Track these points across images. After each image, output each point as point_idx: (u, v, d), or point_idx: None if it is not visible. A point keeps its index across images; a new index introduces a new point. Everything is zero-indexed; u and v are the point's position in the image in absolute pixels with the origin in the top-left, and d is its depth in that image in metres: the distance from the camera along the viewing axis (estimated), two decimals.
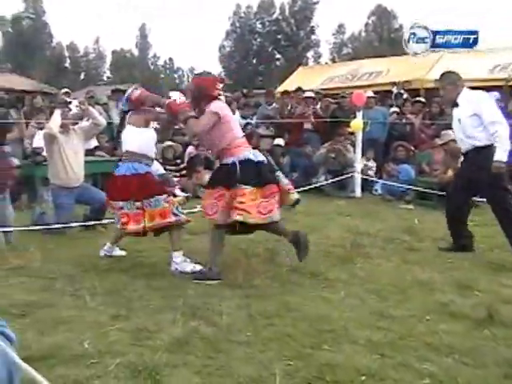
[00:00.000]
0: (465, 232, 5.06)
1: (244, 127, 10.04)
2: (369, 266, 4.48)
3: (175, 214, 4.32)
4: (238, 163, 4.02)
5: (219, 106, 4.15)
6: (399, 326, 3.14)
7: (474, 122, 4.74)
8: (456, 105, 4.94)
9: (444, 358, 2.72)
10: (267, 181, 4.07)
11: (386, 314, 3.32)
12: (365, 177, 8.56)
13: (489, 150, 4.66)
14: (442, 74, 5.11)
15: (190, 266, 4.27)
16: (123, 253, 4.80)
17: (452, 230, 5.06)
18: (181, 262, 4.29)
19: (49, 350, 2.74)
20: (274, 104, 10.73)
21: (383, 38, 42.81)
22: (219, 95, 4.27)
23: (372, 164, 9.01)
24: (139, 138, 4.41)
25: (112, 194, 4.50)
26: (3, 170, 5.40)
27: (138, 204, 4.24)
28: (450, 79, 4.98)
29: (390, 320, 3.23)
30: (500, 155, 4.59)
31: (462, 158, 5.19)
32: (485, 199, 5.19)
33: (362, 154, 8.58)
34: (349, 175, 8.36)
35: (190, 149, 9.24)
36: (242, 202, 3.93)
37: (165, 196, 4.31)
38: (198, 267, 4.23)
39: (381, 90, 11.71)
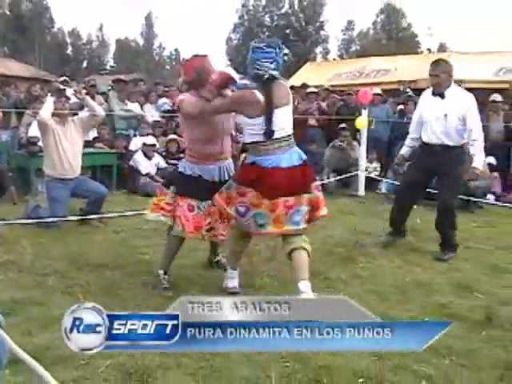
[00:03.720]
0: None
1: None
2: (370, 266, 4.49)
3: None
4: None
5: None
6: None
7: (459, 123, 4.73)
8: (442, 96, 4.80)
9: (442, 360, 2.73)
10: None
11: (386, 315, 3.31)
12: (369, 175, 8.55)
13: (460, 150, 4.82)
14: (435, 61, 4.92)
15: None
16: None
17: (399, 219, 5.17)
18: None
19: (36, 350, 2.57)
20: None
21: (391, 36, 42.63)
22: None
23: (376, 165, 8.98)
24: None
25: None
26: None
27: None
28: (444, 68, 4.82)
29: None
30: (477, 163, 4.75)
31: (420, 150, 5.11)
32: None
33: (367, 154, 8.56)
34: (353, 174, 8.35)
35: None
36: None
37: None
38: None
39: (388, 88, 11.69)
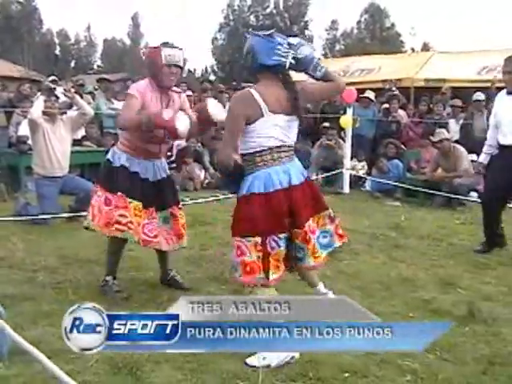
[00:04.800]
0: (498, 230, 4.94)
1: None
2: (355, 262, 4.51)
3: None
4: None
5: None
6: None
7: None
8: None
9: (426, 354, 2.74)
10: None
11: (371, 310, 3.31)
12: (354, 173, 8.59)
13: None
14: (509, 57, 4.62)
15: None
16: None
17: (491, 226, 4.88)
18: None
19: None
20: None
21: (375, 35, 42.87)
22: None
23: (363, 164, 9.03)
24: None
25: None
26: None
27: None
28: None
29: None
30: None
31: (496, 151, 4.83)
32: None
33: (352, 154, 8.59)
34: (338, 171, 8.38)
35: (179, 140, 9.20)
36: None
37: None
38: None
39: (372, 87, 11.75)
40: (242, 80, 17.28)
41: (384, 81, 11.60)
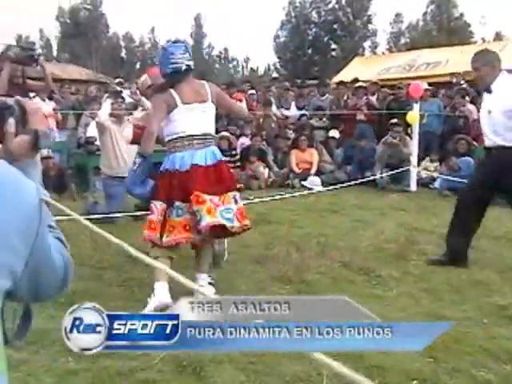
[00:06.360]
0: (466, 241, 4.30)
1: (298, 119, 9.97)
2: (423, 263, 4.33)
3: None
4: None
5: None
6: (453, 328, 3.01)
7: (506, 119, 4.03)
8: (489, 91, 4.19)
9: (502, 365, 2.59)
10: None
11: (439, 314, 3.20)
12: (426, 173, 8.34)
13: None
14: (476, 53, 4.29)
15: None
16: None
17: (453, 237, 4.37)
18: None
19: None
20: (327, 95, 10.60)
21: (442, 27, 41.55)
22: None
23: (436, 165, 8.69)
24: None
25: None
26: None
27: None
28: (486, 59, 4.18)
29: (444, 321, 3.11)
30: None
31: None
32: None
33: (421, 152, 8.32)
34: (404, 169, 8.15)
35: (243, 139, 9.22)
36: None
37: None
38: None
39: (440, 81, 11.39)
40: (305, 77, 17.26)
41: (452, 74, 11.20)
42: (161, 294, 3.27)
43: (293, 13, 43.13)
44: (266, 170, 8.77)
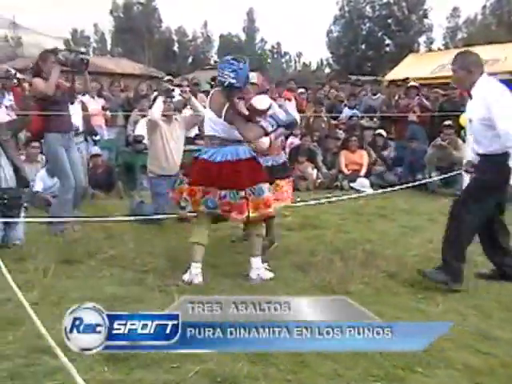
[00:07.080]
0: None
1: (349, 118, 9.84)
2: (472, 276, 4.12)
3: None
4: None
5: None
6: (503, 350, 2.88)
7: (483, 128, 3.76)
8: (471, 97, 3.89)
9: None
10: None
11: (488, 335, 3.07)
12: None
13: (502, 157, 3.70)
14: (457, 54, 3.99)
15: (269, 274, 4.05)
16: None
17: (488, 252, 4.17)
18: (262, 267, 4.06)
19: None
20: (379, 94, 10.41)
21: (502, 21, 40.04)
22: None
23: None
24: None
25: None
26: None
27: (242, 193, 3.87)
28: (463, 62, 3.86)
29: (492, 342, 2.98)
30: None
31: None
32: None
33: None
34: (456, 172, 7.90)
35: (293, 139, 9.16)
36: None
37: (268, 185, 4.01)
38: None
39: (498, 79, 10.99)
40: (359, 73, 16.96)
41: (511, 72, 10.78)
42: (194, 273, 3.91)
43: (346, 7, 42.55)
44: (315, 171, 8.70)
